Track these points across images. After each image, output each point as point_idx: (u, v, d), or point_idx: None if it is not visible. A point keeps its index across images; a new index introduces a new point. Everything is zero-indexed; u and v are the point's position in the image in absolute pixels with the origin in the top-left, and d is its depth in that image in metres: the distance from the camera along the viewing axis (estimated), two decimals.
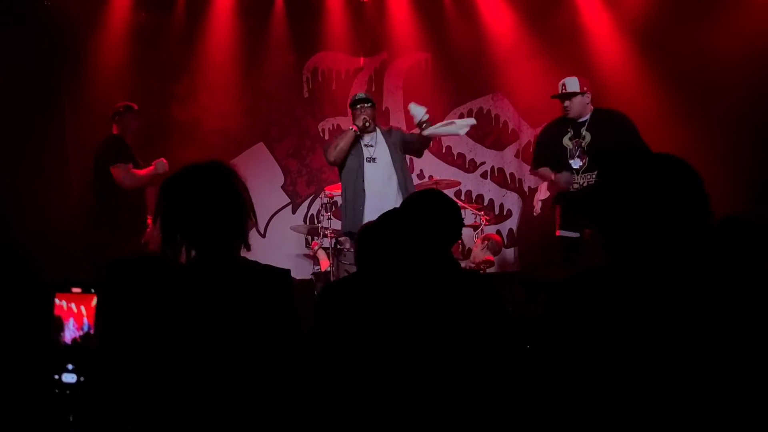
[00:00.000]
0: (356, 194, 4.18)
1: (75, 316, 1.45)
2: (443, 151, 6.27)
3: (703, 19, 5.13)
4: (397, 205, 3.85)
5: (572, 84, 4.16)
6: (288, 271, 1.62)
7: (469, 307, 1.95)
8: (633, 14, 5.63)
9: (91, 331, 1.43)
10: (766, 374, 1.25)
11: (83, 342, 1.42)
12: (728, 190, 4.01)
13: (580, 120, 4.16)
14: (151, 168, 4.37)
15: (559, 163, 4.18)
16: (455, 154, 6.35)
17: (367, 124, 4.21)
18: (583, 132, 4.13)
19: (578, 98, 4.13)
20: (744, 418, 1.25)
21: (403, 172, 4.29)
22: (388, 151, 4.25)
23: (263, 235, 6.15)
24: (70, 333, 1.45)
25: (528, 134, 6.36)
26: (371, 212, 4.03)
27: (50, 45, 5.17)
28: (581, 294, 1.41)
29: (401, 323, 1.90)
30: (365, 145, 4.27)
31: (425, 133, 4.12)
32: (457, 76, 6.31)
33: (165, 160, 4.36)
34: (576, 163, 4.12)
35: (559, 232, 4.27)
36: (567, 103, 4.15)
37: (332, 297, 2.17)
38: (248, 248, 1.65)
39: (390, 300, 1.95)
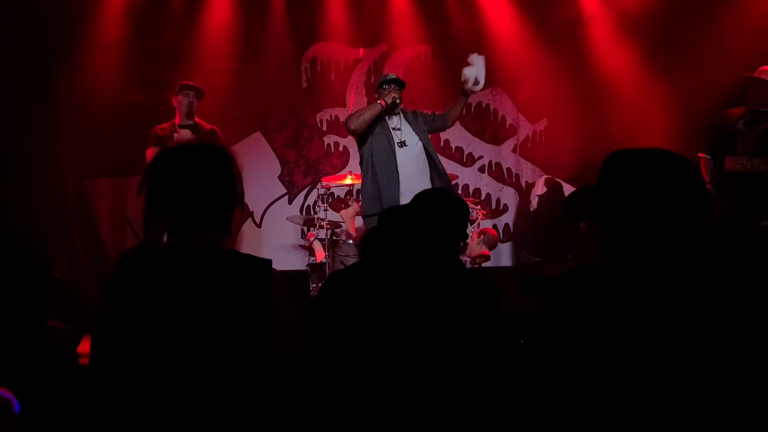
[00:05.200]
0: (390, 177, 4.12)
1: None
2: (441, 144, 6.25)
3: (707, 13, 5.11)
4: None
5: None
6: (269, 261, 1.53)
7: (468, 305, 1.94)
8: (633, 8, 5.61)
9: None
10: (760, 368, 1.25)
11: None
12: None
13: (763, 109, 4.09)
14: None
15: (723, 145, 4.12)
16: (453, 148, 6.33)
17: (398, 101, 4.17)
18: (763, 119, 4.06)
19: None
20: (738, 414, 1.24)
21: (435, 154, 4.29)
22: (416, 135, 4.23)
23: (259, 225, 6.11)
24: None
25: (526, 129, 6.34)
26: (405, 195, 4.02)
27: (46, 28, 5.12)
28: (577, 289, 1.40)
29: (399, 318, 1.89)
30: (393, 129, 4.22)
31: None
32: (456, 69, 6.22)
33: None
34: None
35: None
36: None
37: (337, 286, 2.13)
38: (229, 237, 1.55)
39: (390, 294, 1.93)
